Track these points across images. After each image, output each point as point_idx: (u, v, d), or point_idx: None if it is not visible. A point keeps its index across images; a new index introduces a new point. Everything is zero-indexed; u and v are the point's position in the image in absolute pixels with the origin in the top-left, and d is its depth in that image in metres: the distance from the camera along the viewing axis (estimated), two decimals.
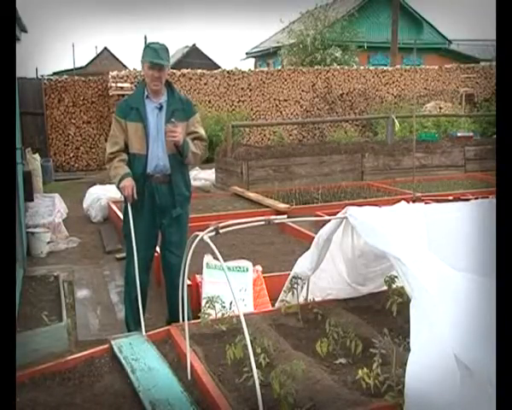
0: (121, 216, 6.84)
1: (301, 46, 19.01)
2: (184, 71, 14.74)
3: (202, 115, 13.43)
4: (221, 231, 2.85)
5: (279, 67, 17.54)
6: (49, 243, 6.53)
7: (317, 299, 3.72)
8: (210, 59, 30.38)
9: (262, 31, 75.20)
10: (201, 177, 10.87)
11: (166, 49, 3.80)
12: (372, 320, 3.45)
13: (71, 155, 13.94)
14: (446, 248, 2.86)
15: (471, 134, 12.53)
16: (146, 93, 3.85)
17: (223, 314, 3.57)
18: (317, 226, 4.93)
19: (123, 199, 3.94)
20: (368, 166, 10.66)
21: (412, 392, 2.33)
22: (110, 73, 13.78)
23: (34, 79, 14.58)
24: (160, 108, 3.85)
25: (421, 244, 2.87)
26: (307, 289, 3.72)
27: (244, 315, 2.46)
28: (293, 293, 3.60)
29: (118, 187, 3.81)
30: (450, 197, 7.29)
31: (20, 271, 5.27)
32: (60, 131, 13.79)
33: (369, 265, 3.56)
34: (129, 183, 3.74)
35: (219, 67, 18.05)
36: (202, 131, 4.03)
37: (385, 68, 17.00)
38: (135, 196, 3.77)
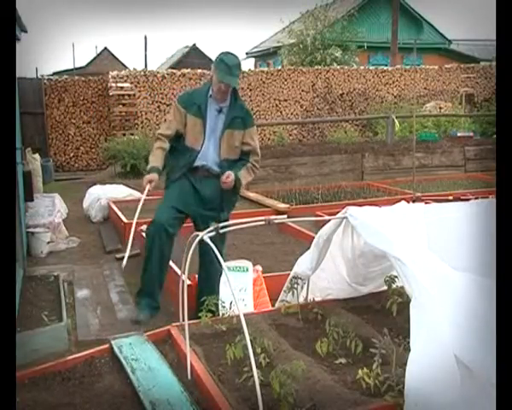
0: (121, 216, 6.93)
1: (301, 46, 18.97)
2: (184, 71, 14.72)
3: None
4: (221, 231, 2.86)
5: (279, 67, 17.52)
6: (49, 242, 6.52)
7: (317, 299, 3.71)
8: (210, 59, 30.31)
9: (262, 31, 75.50)
10: None
11: (239, 65, 3.79)
12: (372, 320, 3.45)
13: (71, 155, 13.93)
14: (446, 248, 2.86)
15: (471, 134, 12.54)
16: (211, 92, 3.86)
17: (223, 314, 3.57)
18: (317, 226, 4.94)
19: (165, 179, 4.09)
20: (368, 166, 10.65)
21: (412, 392, 2.33)
22: (110, 73, 13.76)
23: (34, 79, 14.53)
24: (220, 111, 3.87)
25: (421, 244, 2.87)
26: (307, 290, 3.72)
27: (244, 315, 2.46)
28: (293, 293, 3.60)
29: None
30: (451, 197, 7.30)
31: (20, 271, 5.26)
32: (60, 131, 13.78)
33: (369, 265, 3.56)
34: (150, 177, 3.84)
35: None
36: (256, 145, 4.02)
37: (385, 68, 16.97)
38: (148, 190, 3.88)
